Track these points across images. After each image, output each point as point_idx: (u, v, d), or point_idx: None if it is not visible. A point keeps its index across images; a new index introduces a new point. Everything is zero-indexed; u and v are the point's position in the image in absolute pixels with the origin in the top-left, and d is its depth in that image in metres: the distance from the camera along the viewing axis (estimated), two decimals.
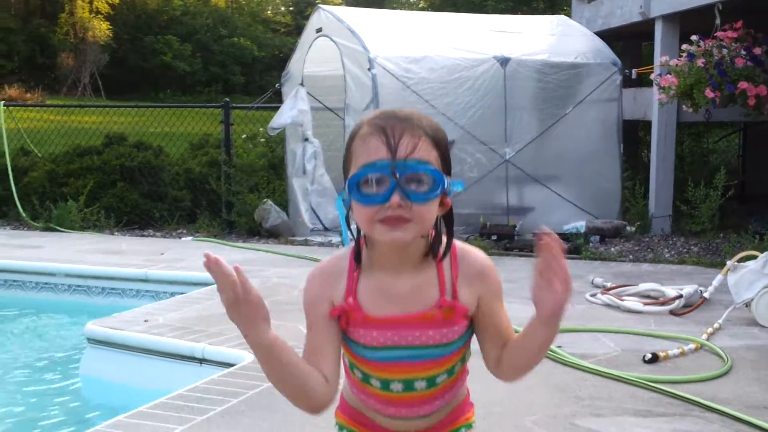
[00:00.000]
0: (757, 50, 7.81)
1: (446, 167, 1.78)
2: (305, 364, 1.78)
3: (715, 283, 5.82)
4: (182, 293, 6.47)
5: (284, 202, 9.99)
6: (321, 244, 8.89)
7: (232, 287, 1.68)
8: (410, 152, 1.70)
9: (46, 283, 7.44)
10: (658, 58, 8.76)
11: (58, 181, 10.59)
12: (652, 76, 8.76)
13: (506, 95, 8.81)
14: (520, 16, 13.74)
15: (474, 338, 1.88)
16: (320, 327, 1.85)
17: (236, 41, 37.80)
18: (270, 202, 9.57)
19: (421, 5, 37.23)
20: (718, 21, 8.06)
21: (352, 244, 1.87)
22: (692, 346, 4.84)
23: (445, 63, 8.61)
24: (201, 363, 4.77)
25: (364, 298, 1.82)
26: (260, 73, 37.57)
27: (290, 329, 5.03)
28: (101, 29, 34.52)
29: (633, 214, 9.25)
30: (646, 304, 5.90)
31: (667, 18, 9.09)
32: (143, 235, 9.80)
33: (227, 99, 11.07)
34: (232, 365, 4.50)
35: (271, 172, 10.60)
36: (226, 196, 10.02)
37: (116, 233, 9.85)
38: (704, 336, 5.06)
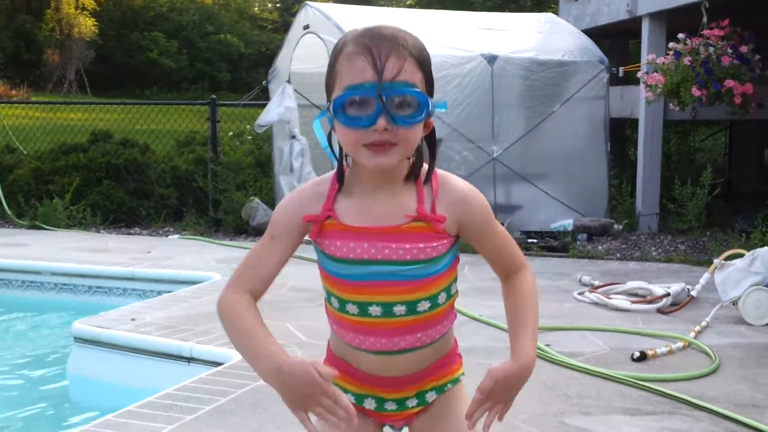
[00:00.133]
0: (744, 48, 7.84)
1: (430, 88, 1.80)
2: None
3: (702, 281, 5.84)
4: (169, 291, 6.44)
5: (271, 199, 9.96)
6: (308, 242, 8.84)
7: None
8: (396, 74, 1.70)
9: (32, 282, 7.38)
10: (645, 56, 8.79)
11: (43, 179, 10.53)
12: (639, 74, 8.78)
13: (494, 93, 8.81)
14: (507, 13, 13.75)
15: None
16: (281, 239, 1.86)
17: (223, 38, 37.64)
18: (257, 199, 9.54)
19: (408, 2, 37.20)
20: (705, 19, 8.09)
21: (334, 169, 1.86)
22: (680, 344, 4.86)
23: (432, 60, 8.57)
24: (189, 362, 4.75)
25: (342, 212, 1.82)
26: (247, 70, 37.42)
27: (279, 327, 5.03)
28: (87, 26, 34.31)
29: (620, 212, 9.27)
30: (633, 302, 5.92)
31: (654, 16, 9.11)
32: (130, 233, 9.76)
33: (214, 96, 11.02)
34: (220, 364, 4.48)
35: (258, 169, 10.57)
36: (213, 193, 9.99)
37: (102, 231, 9.80)
38: (692, 334, 5.07)
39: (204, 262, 7.60)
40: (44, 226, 9.77)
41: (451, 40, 9.08)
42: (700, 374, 4.35)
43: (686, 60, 7.84)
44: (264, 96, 10.49)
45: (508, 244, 1.93)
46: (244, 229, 9.51)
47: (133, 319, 5.40)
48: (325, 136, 1.88)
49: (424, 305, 1.83)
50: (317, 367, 1.66)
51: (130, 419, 3.72)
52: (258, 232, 9.32)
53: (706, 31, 8.02)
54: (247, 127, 11.12)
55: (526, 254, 1.65)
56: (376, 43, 1.71)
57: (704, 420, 3.73)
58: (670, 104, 8.29)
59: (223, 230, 9.75)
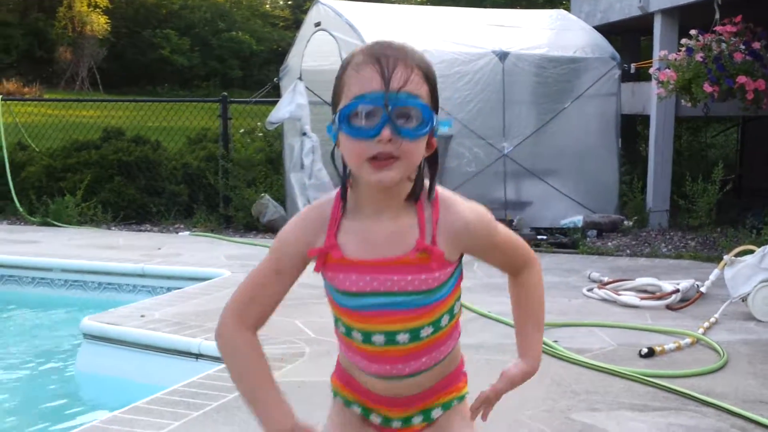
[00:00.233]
0: (756, 45, 7.80)
1: (435, 104, 1.78)
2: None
3: (711, 277, 5.82)
4: (179, 288, 6.46)
5: (282, 196, 9.97)
6: None
7: None
8: (403, 84, 1.68)
9: (42, 278, 7.43)
10: (657, 53, 8.75)
11: (55, 176, 10.58)
12: (650, 71, 8.74)
13: (505, 90, 8.80)
14: (518, 10, 13.72)
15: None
16: (285, 273, 1.85)
17: (234, 35, 37.68)
18: (267, 196, 9.56)
19: None
20: (717, 15, 8.05)
21: (338, 188, 1.84)
22: (688, 340, 4.84)
23: (443, 57, 8.58)
24: (197, 358, 4.76)
25: (344, 241, 1.80)
26: (258, 68, 37.42)
27: (288, 324, 5.04)
28: (99, 23, 34.38)
29: (630, 208, 9.24)
30: (642, 298, 5.90)
31: (666, 12, 9.08)
32: (140, 230, 9.79)
33: (225, 93, 11.05)
34: None
35: (269, 166, 10.58)
36: (224, 190, 10.01)
37: (113, 228, 9.84)
38: (700, 330, 5.06)
39: (214, 258, 7.62)
40: (55, 223, 9.82)
41: (462, 36, 9.07)
42: (708, 370, 4.34)
43: (698, 56, 7.81)
44: (275, 93, 10.50)
45: (513, 247, 1.92)
46: (255, 226, 9.52)
47: (142, 316, 5.42)
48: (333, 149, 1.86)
49: (427, 330, 1.83)
50: None
51: (138, 415, 3.73)
52: (268, 229, 9.34)
53: (718, 27, 7.98)
54: (258, 124, 11.12)
55: (536, 251, 1.66)
56: (386, 53, 1.71)
57: (712, 416, 3.72)
58: (682, 101, 8.25)
59: (233, 227, 9.78)
